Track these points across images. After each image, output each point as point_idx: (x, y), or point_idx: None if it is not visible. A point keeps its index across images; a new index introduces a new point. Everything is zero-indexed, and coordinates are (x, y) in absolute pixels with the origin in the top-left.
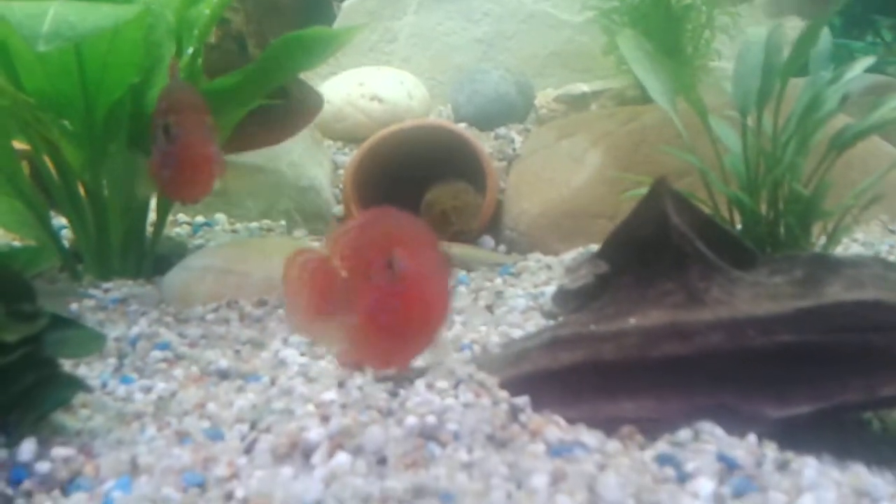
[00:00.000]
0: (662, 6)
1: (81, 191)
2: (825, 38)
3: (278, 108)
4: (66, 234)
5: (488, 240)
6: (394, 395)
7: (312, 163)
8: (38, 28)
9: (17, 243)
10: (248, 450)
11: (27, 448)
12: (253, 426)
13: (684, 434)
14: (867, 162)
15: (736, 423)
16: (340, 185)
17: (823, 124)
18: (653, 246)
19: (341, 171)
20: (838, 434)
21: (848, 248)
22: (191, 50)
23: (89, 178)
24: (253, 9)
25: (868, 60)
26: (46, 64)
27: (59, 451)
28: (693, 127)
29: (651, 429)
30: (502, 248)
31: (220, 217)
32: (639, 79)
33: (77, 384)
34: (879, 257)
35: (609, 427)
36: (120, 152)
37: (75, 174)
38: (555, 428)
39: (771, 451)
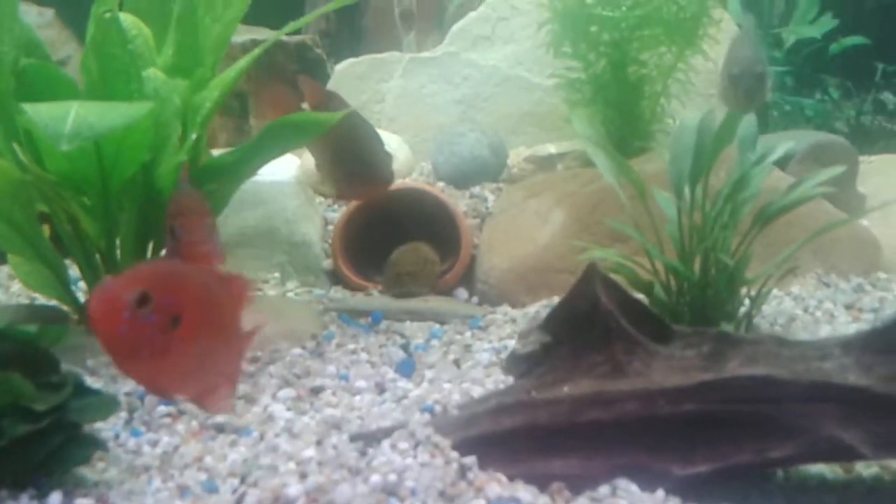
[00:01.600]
0: (621, 76)
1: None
2: (751, 124)
3: (357, 175)
4: (81, 286)
5: (462, 292)
6: (363, 454)
7: (305, 219)
8: (62, 129)
9: (38, 297)
10: (238, 502)
11: (54, 499)
12: (243, 480)
13: (604, 490)
14: (806, 221)
15: (648, 480)
16: (329, 241)
17: (751, 202)
18: (585, 322)
19: (331, 227)
20: (745, 485)
21: (781, 301)
22: (194, 136)
23: (104, 245)
24: (254, 70)
25: (789, 144)
26: None
27: (81, 502)
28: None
29: (577, 484)
30: (475, 300)
31: None
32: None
33: (96, 443)
34: (775, 335)
35: (542, 483)
36: (132, 222)
37: (92, 242)
38: (496, 484)
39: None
